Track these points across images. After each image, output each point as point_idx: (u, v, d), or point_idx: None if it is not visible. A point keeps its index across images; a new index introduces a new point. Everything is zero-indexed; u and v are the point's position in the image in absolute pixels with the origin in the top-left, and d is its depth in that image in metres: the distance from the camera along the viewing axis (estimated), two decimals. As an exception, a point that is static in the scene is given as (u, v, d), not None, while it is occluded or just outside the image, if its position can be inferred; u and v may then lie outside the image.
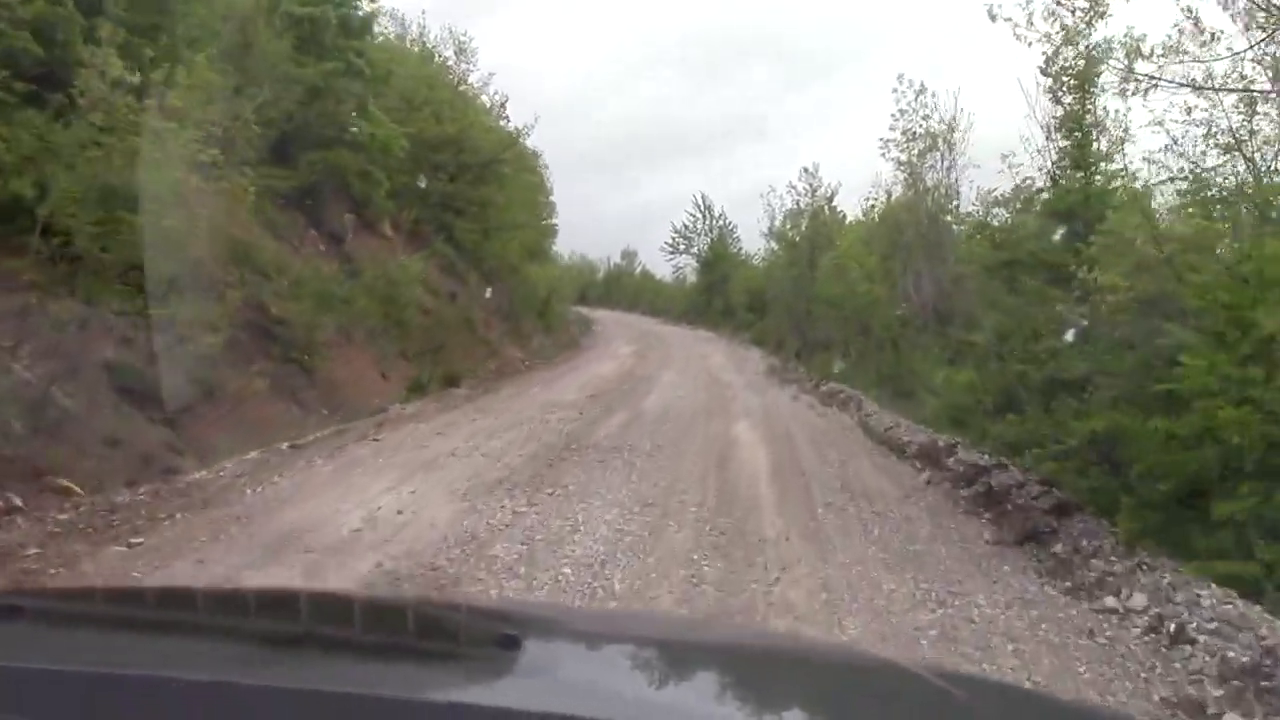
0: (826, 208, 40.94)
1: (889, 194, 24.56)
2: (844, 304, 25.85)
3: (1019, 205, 15.80)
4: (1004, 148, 15.01)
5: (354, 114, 24.38)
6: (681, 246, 57.40)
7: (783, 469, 10.76)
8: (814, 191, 41.29)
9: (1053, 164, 13.85)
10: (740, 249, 56.81)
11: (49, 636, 1.53)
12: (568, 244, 75.38)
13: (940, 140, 20.45)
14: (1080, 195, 13.20)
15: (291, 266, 18.32)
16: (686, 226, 56.95)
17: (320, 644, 1.54)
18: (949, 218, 20.04)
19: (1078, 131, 13.62)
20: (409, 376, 20.15)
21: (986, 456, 10.67)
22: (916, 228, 20.40)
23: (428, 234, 32.11)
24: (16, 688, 1.18)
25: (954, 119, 20.61)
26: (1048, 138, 14.10)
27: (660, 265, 77.78)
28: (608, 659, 1.77)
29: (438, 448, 11.44)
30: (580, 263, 75.75)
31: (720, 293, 53.86)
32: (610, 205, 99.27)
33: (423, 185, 27.36)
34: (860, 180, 76.25)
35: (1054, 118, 13.71)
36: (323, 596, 2.60)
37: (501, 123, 35.59)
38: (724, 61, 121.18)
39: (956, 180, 20.45)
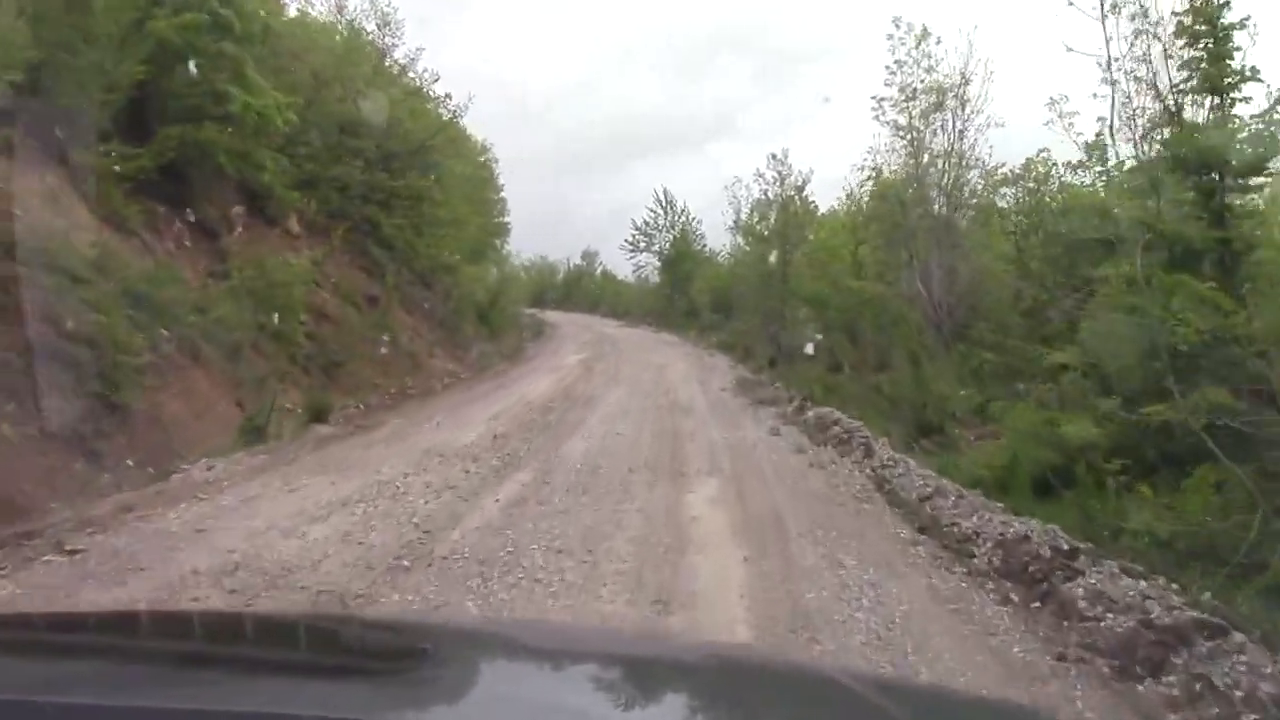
0: (798, 198, 35.88)
1: (877, 171, 19.50)
2: (827, 303, 20.79)
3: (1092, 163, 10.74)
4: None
5: (229, 82, 18.80)
6: (642, 244, 52.30)
7: (776, 622, 5.51)
8: (783, 180, 36.21)
9: (1171, 87, 8.73)
10: (704, 246, 51.77)
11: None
12: (534, 245, 70.14)
13: (950, 96, 15.50)
14: (1223, 132, 8.13)
15: (123, 266, 13.01)
16: (647, 223, 51.88)
17: (225, 664, 1.46)
18: (966, 191, 15.08)
19: (1209, 39, 8.57)
20: (281, 405, 14.97)
21: (1144, 583, 5.62)
22: (923, 206, 15.35)
23: (351, 232, 26.87)
24: None
25: (967, 70, 15.66)
26: (1109, 79, 9.08)
27: (623, 265, 72.92)
28: (518, 670, 1.69)
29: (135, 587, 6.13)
30: (539, 264, 70.61)
31: (683, 293, 48.70)
32: (577, 206, 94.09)
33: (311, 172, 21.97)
34: (834, 177, 71.48)
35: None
36: (218, 616, 2.65)
37: (432, 106, 30.32)
38: (696, 60, 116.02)
39: (974, 145, 15.47)
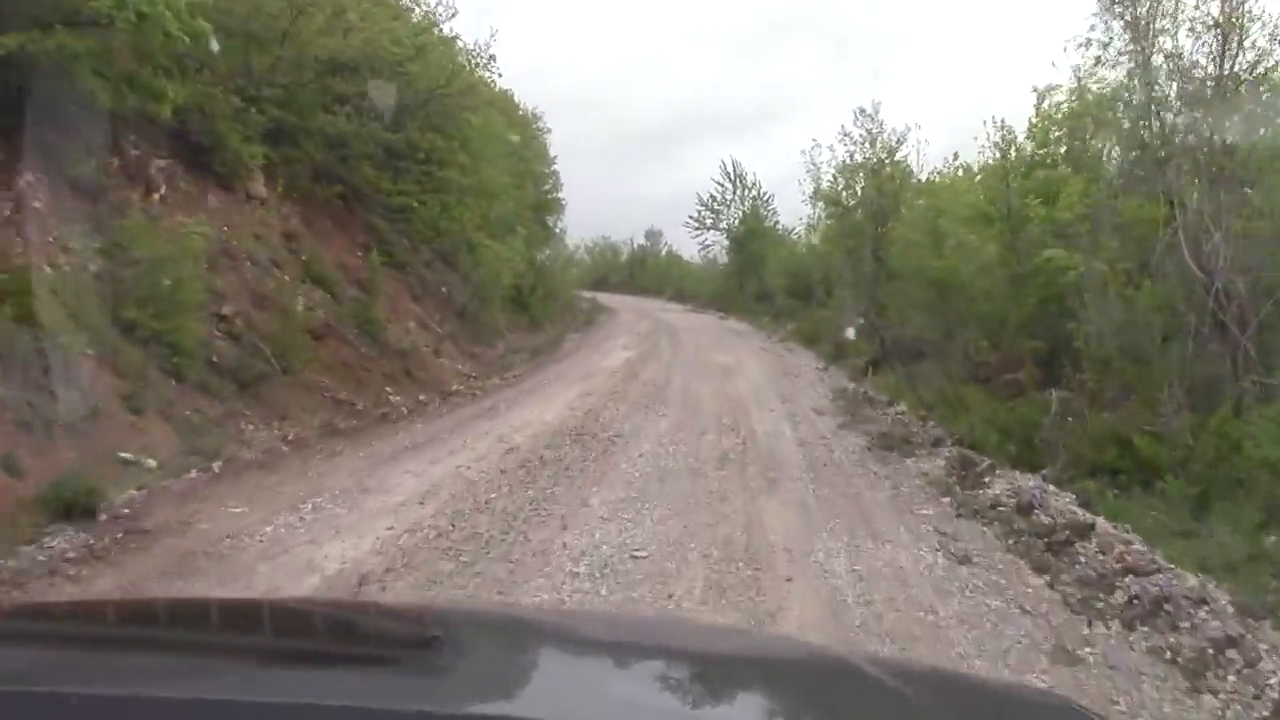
0: (889, 162, 28.58)
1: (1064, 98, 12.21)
2: (969, 287, 13.77)
3: None
4: None
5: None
6: (708, 221, 45.21)
7: None
8: (873, 140, 28.96)
9: None
10: (777, 223, 44.61)
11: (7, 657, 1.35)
12: (600, 227, 63.41)
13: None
14: None
15: None
16: (714, 198, 44.77)
17: (236, 653, 1.41)
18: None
19: None
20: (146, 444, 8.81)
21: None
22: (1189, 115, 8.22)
23: (342, 199, 20.44)
24: None
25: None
26: None
27: (688, 245, 65.89)
28: (533, 656, 1.62)
29: None
30: (601, 244, 63.98)
31: (754, 274, 41.65)
32: (643, 187, 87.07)
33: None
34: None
35: None
36: (232, 604, 2.45)
37: (452, 51, 23.73)
38: (763, 41, 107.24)
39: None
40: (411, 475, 8.02)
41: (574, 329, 29.56)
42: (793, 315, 33.47)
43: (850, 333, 20.56)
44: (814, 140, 36.47)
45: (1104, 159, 12.14)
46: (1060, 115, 12.63)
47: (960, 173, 20.97)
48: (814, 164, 31.58)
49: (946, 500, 7.56)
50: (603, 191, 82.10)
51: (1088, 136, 12.45)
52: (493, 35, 24.13)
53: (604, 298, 47.28)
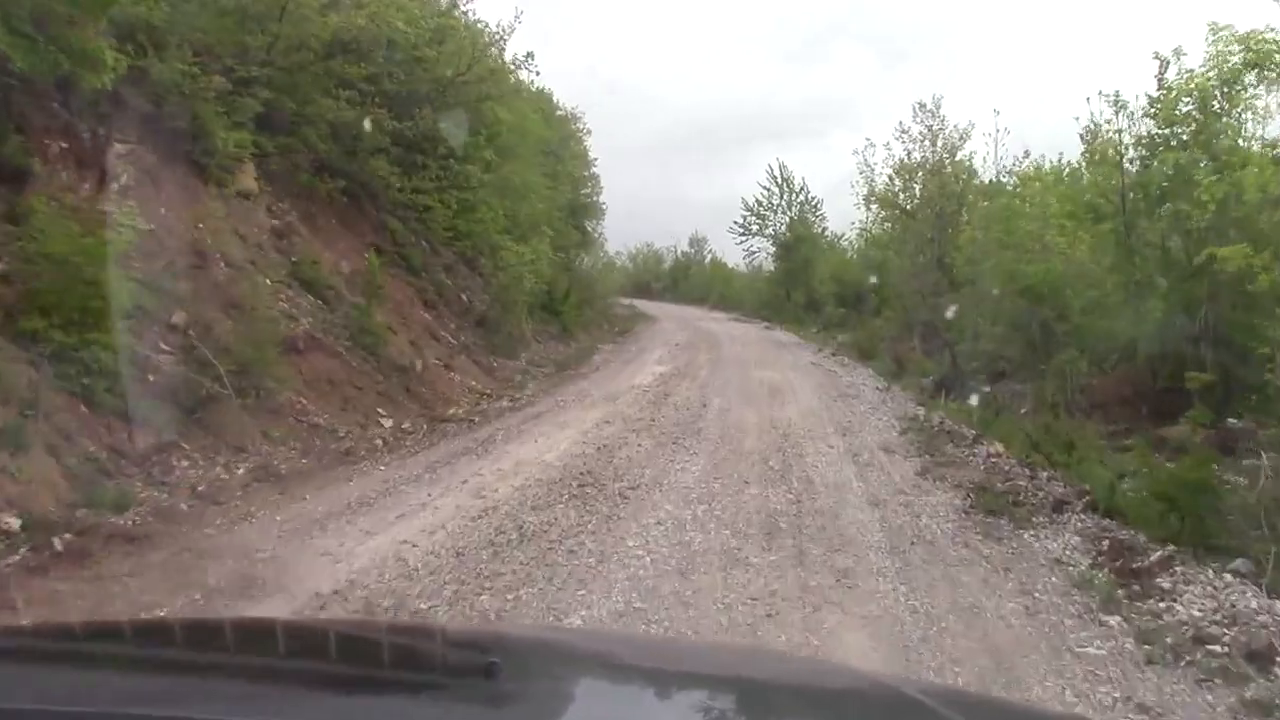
0: (950, 161, 25.69)
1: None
2: (1069, 296, 10.96)
3: None
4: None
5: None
6: (754, 227, 42.40)
7: None
8: (934, 137, 26.06)
9: None
10: (825, 229, 41.72)
11: (23, 676, 1.31)
12: (645, 235, 60.84)
13: None
14: None
15: None
16: (760, 202, 41.97)
17: (298, 678, 1.38)
18: None
19: None
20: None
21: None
22: None
23: (357, 194, 18.21)
24: None
25: None
26: None
27: (733, 253, 63.07)
28: (590, 684, 1.58)
29: None
30: (644, 251, 61.42)
31: (801, 283, 38.80)
32: (689, 196, 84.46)
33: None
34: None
35: None
36: (298, 627, 2.35)
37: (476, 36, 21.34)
38: (813, 47, 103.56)
39: None
40: (329, 559, 5.49)
41: (608, 339, 27.00)
42: (843, 325, 30.60)
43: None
44: (867, 139, 33.49)
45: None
46: (1197, 82, 9.79)
47: (1034, 169, 18.10)
48: (867, 164, 28.75)
49: (1114, 622, 4.81)
50: (650, 197, 79.55)
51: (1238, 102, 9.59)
52: (518, 17, 21.44)
53: (645, 305, 44.71)
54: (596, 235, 39.03)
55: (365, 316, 14.10)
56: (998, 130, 26.63)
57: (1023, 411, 11.71)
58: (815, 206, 41.27)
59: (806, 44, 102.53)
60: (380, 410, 12.66)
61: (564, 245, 30.62)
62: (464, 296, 19.83)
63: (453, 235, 20.03)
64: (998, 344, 13.26)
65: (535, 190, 24.39)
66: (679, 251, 59.14)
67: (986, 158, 24.86)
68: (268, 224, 14.60)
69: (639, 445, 9.75)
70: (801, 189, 41.47)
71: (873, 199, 26.96)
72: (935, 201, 23.53)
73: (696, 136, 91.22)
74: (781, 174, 41.58)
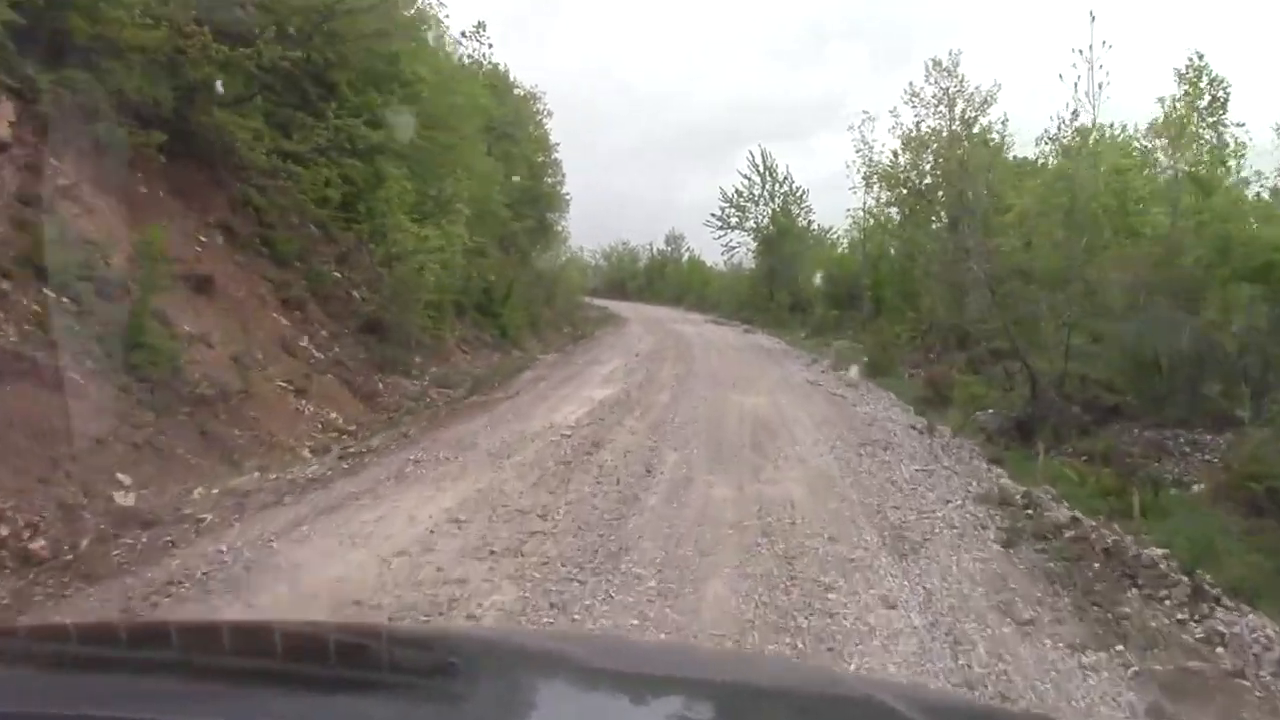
0: (967, 130, 20.20)
1: None
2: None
3: None
4: None
5: None
6: (733, 219, 36.77)
7: None
8: (952, 102, 20.55)
9: None
10: (811, 222, 36.14)
11: (13, 678, 1.25)
12: (629, 235, 55.09)
13: None
14: None
15: None
16: (739, 193, 36.36)
17: (253, 677, 1.29)
18: None
19: None
20: None
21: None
22: None
23: (203, 158, 12.61)
24: None
25: None
26: None
27: (713, 250, 57.45)
28: (550, 684, 1.46)
29: None
30: (620, 250, 55.76)
31: (786, 280, 33.28)
32: (674, 197, 78.60)
33: None
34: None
35: None
36: (247, 627, 2.19)
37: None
38: (800, 49, 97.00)
39: None
40: None
41: (558, 346, 21.40)
42: (837, 329, 25.08)
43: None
44: (865, 112, 27.73)
45: None
46: None
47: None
48: (865, 142, 23.21)
49: None
50: (635, 198, 74.03)
51: None
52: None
53: (617, 306, 39.14)
54: (560, 229, 33.41)
55: (138, 323, 8.45)
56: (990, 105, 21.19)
57: (1196, 489, 6.19)
58: (800, 197, 35.76)
59: (797, 45, 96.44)
60: (122, 476, 7.02)
61: (510, 236, 25.02)
62: (357, 294, 14.24)
63: (349, 216, 14.48)
64: (1108, 370, 7.87)
65: (468, 167, 18.83)
66: (655, 250, 53.52)
67: (992, 136, 19.36)
68: (13, 184, 9.00)
69: (475, 606, 4.23)
70: (785, 178, 35.94)
71: (874, 178, 21.43)
72: (956, 177, 18.02)
73: (684, 138, 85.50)
74: (764, 162, 36.01)
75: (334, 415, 10.60)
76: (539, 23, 75.80)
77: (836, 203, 36.37)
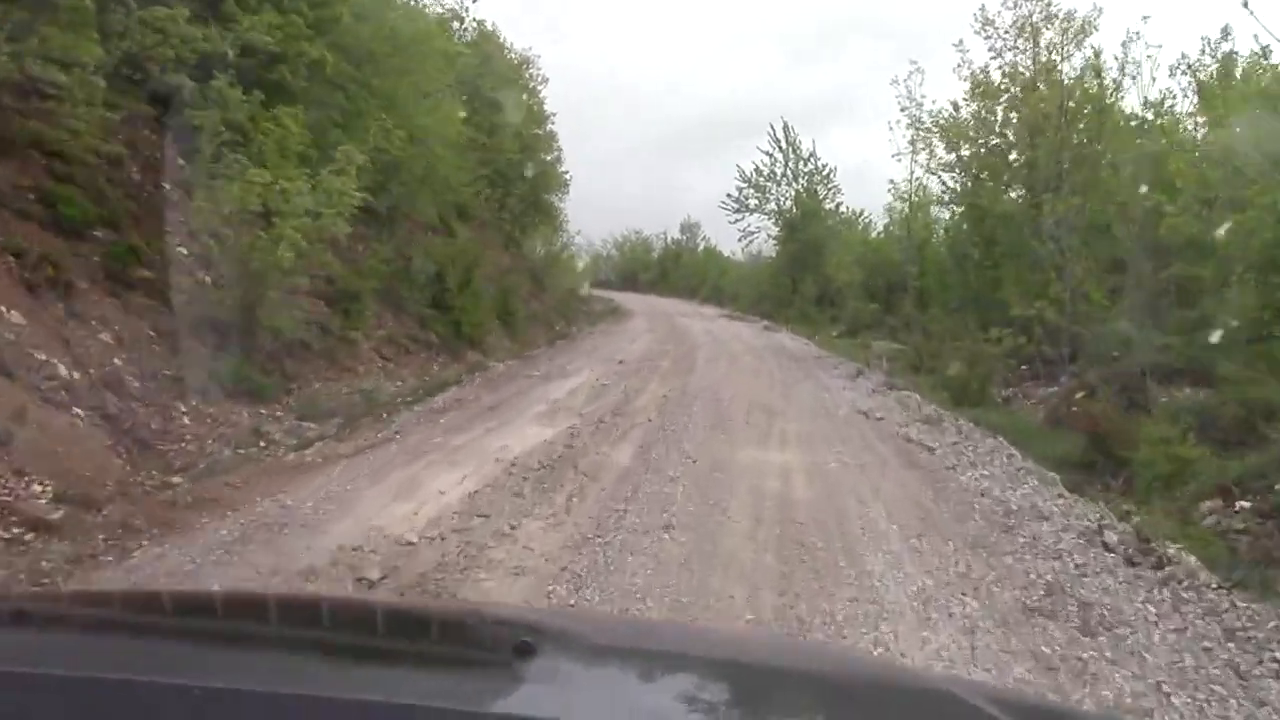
0: (1062, 61, 14.60)
1: None
2: None
3: None
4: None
5: None
6: (752, 201, 31.27)
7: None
8: (1035, 33, 14.99)
9: None
10: (840, 204, 30.59)
11: (55, 642, 1.22)
12: (644, 228, 49.53)
13: None
14: None
15: None
16: (759, 171, 30.90)
17: (336, 650, 1.27)
18: None
19: None
20: None
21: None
22: None
23: None
24: (21, 694, 0.96)
25: None
26: None
27: (731, 239, 51.85)
28: (625, 668, 1.43)
29: None
30: (633, 239, 50.33)
31: (812, 269, 27.91)
32: (697, 187, 72.74)
33: None
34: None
35: None
36: (338, 602, 2.13)
37: None
38: (814, 43, 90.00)
39: None
40: None
41: (532, 347, 16.23)
42: (878, 327, 19.69)
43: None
44: (913, 63, 21.74)
45: None
46: None
47: None
48: (911, 98, 17.73)
49: None
50: (651, 195, 68.59)
51: None
52: None
53: (625, 299, 33.91)
54: (558, 212, 28.05)
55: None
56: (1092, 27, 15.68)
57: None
58: (827, 177, 30.17)
59: (814, 39, 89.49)
60: None
61: (469, 214, 19.80)
62: (205, 277, 9.18)
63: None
64: None
65: (406, 116, 13.68)
66: (669, 239, 48.08)
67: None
68: None
69: None
70: (810, 155, 30.38)
71: (932, 136, 15.93)
72: (1057, 128, 12.58)
73: (701, 131, 79.47)
74: (786, 137, 30.47)
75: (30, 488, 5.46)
76: (551, 10, 70.37)
77: (852, 199, 31.51)
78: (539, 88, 26.78)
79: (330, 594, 3.55)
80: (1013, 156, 14.89)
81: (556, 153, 28.23)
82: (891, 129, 20.24)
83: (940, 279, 19.16)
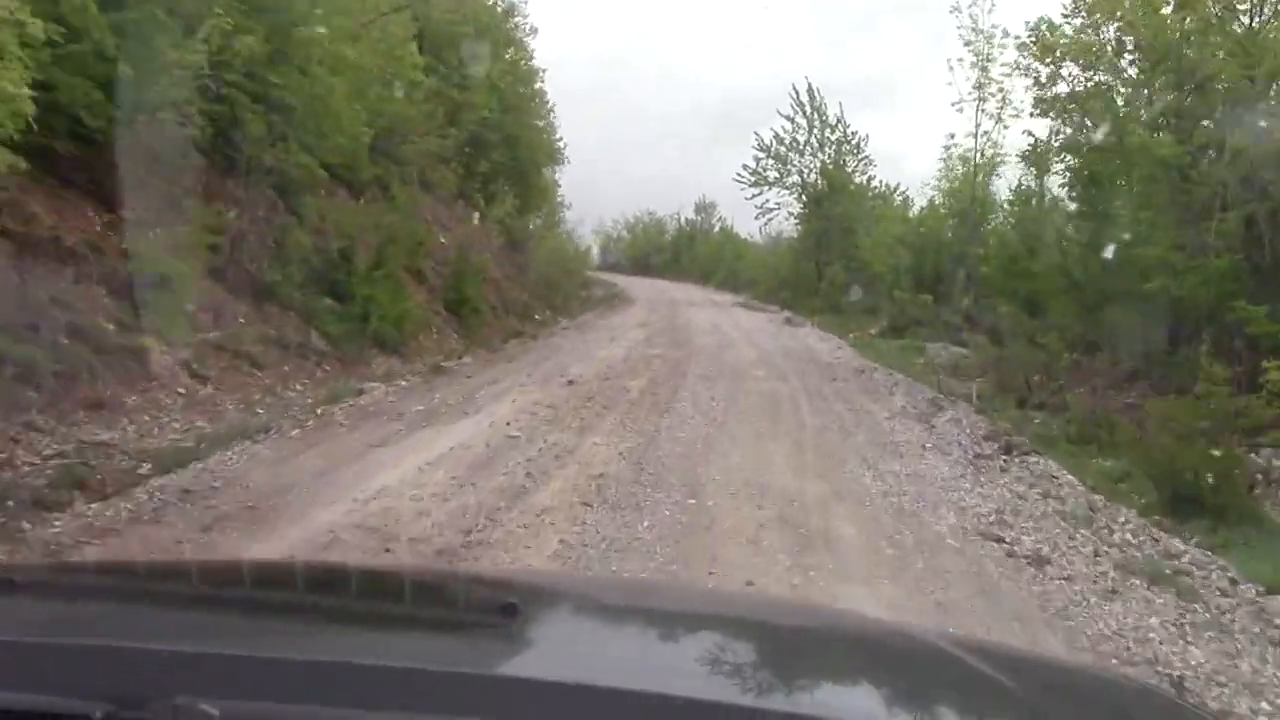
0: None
1: None
2: None
3: None
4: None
5: None
6: (772, 174, 26.05)
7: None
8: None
9: None
10: (873, 178, 25.37)
11: (43, 609, 1.17)
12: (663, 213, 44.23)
13: None
14: None
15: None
16: (779, 139, 25.66)
17: (319, 614, 1.21)
18: None
19: None
20: None
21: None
22: None
23: None
24: (7, 660, 0.91)
25: None
26: None
27: (748, 219, 46.63)
28: (610, 627, 1.35)
29: None
30: (645, 220, 45.21)
31: (840, 251, 22.85)
32: (722, 171, 67.05)
33: None
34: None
35: None
36: (319, 567, 2.05)
37: None
38: (847, 28, 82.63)
39: None
40: None
41: (469, 351, 11.41)
42: (928, 325, 14.66)
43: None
44: None
45: None
46: None
47: None
48: (976, 29, 12.69)
49: None
50: (670, 176, 63.29)
51: None
52: None
53: (631, 284, 29.02)
54: (544, 184, 23.02)
55: None
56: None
57: None
58: (858, 146, 24.90)
59: (851, 23, 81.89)
60: None
61: (432, 181, 14.94)
62: None
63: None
64: None
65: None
66: (683, 219, 42.94)
67: None
68: None
69: None
70: (839, 122, 25.11)
71: (1000, 77, 10.82)
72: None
73: (719, 116, 73.45)
74: (810, 101, 25.21)
75: None
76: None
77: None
78: (526, 39, 21.83)
79: (310, 560, 3.20)
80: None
81: (549, 117, 23.31)
82: (952, 69, 15.23)
83: (1010, 264, 14.07)
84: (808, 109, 24.96)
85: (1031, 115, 11.49)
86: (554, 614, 1.33)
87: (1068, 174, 10.90)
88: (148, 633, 1.05)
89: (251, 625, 1.15)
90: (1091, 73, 10.38)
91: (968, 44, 13.83)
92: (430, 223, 15.90)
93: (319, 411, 6.89)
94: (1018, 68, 11.24)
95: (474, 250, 15.85)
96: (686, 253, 41.14)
